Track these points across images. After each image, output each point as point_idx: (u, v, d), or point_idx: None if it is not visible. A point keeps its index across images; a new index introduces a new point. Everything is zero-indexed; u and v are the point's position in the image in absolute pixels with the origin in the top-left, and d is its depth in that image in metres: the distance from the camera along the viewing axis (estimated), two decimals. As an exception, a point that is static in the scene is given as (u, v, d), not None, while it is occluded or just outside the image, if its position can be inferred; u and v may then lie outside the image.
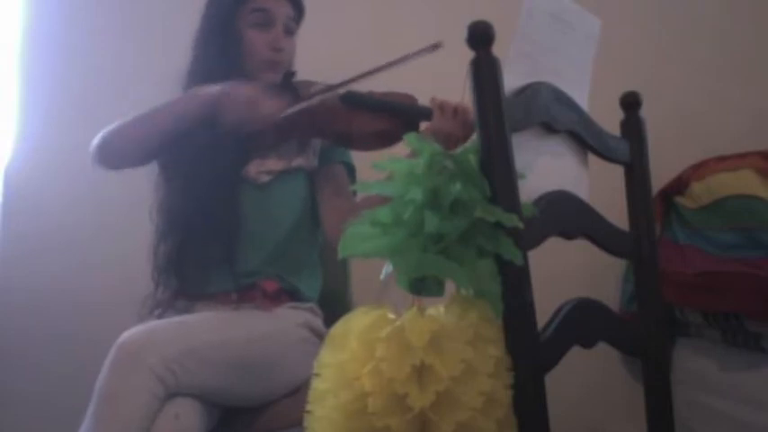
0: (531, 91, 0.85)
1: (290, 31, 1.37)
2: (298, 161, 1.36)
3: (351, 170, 1.43)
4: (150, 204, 1.31)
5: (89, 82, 1.88)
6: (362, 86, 1.27)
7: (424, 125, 1.26)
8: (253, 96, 1.22)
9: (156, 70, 1.77)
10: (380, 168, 0.79)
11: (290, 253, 1.34)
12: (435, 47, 1.18)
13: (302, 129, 1.29)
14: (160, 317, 1.26)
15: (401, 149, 1.22)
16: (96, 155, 1.26)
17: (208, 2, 1.36)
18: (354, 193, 1.39)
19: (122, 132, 1.26)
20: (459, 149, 0.79)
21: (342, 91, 1.26)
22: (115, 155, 1.27)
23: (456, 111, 1.20)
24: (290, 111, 1.24)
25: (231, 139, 1.25)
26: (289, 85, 1.34)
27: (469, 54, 0.78)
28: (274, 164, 1.34)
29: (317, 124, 1.28)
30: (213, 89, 1.23)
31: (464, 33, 0.77)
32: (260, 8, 1.32)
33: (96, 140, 1.26)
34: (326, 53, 1.50)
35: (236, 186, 1.30)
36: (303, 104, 1.25)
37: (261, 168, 1.33)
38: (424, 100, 1.30)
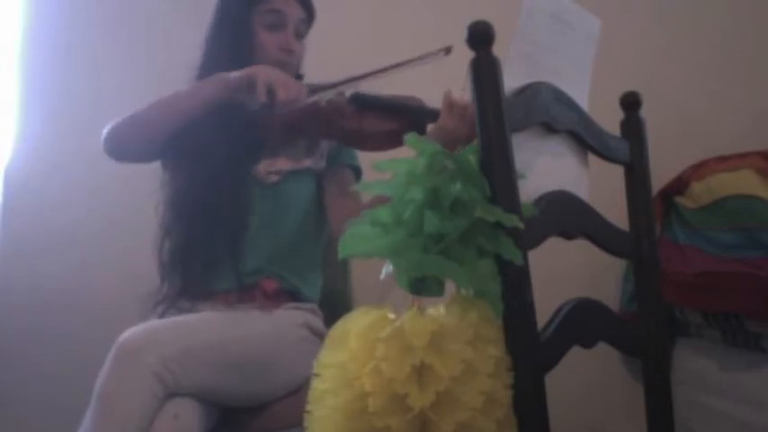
0: (531, 91, 0.85)
1: (300, 35, 1.37)
2: (306, 162, 1.36)
3: (358, 174, 1.43)
4: (156, 200, 1.31)
5: (89, 82, 1.88)
6: (368, 89, 1.27)
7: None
8: (284, 77, 1.23)
9: (156, 69, 1.77)
10: (381, 169, 0.79)
11: (294, 253, 1.34)
12: (447, 50, 1.17)
13: (311, 129, 1.29)
14: (162, 315, 1.26)
15: (407, 151, 1.22)
16: (105, 145, 1.26)
17: (220, 0, 1.36)
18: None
19: (137, 121, 1.25)
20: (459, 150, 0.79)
21: (348, 88, 1.26)
22: (126, 144, 1.26)
23: (465, 110, 1.18)
24: (307, 101, 1.24)
25: (241, 136, 1.26)
26: None
27: (469, 54, 0.78)
28: (283, 164, 1.34)
29: (326, 124, 1.27)
30: (242, 71, 1.22)
31: (464, 33, 0.77)
32: (274, 9, 1.33)
33: (106, 129, 1.25)
34: (325, 54, 1.50)
35: (244, 184, 1.30)
36: (314, 98, 1.25)
37: (270, 168, 1.33)
38: (423, 99, 1.30)
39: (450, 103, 1.18)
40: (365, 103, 1.27)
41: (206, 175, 1.27)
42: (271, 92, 1.20)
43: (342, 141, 1.33)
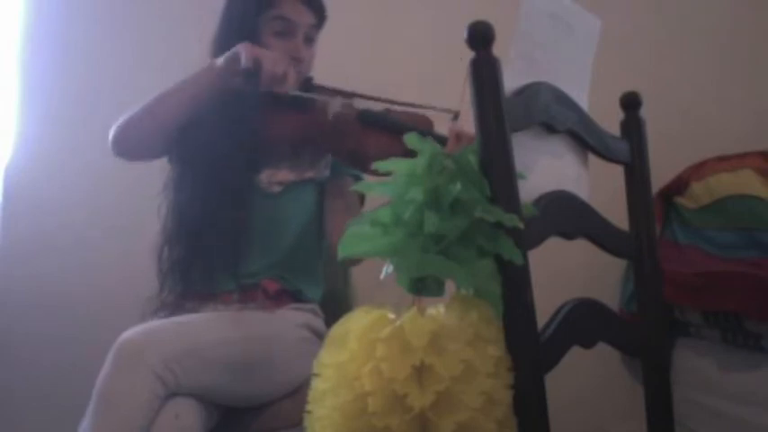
0: (531, 91, 0.85)
1: (310, 40, 1.35)
2: (309, 173, 1.36)
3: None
4: (159, 203, 1.31)
5: (89, 81, 1.88)
6: (380, 102, 1.26)
7: None
8: (273, 54, 1.22)
9: (156, 69, 1.77)
10: (381, 169, 0.79)
11: (295, 260, 1.34)
12: (456, 116, 1.17)
13: (317, 144, 1.28)
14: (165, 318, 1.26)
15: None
16: (114, 147, 1.25)
17: (227, 5, 1.35)
18: (362, 202, 1.39)
19: (139, 117, 1.24)
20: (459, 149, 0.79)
21: (349, 100, 1.25)
22: (134, 142, 1.25)
23: (471, 142, 1.17)
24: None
25: (243, 147, 1.25)
26: (309, 90, 1.33)
27: (469, 54, 0.78)
28: (286, 175, 1.34)
29: (331, 140, 1.26)
30: (235, 50, 1.20)
31: (464, 33, 0.77)
32: (282, 16, 1.30)
33: (112, 132, 1.25)
34: (325, 54, 1.50)
35: (247, 193, 1.30)
36: (319, 100, 1.24)
37: (273, 179, 1.33)
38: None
39: (459, 135, 1.17)
40: (374, 123, 1.25)
41: (210, 183, 1.26)
42: (257, 62, 1.18)
43: (345, 160, 1.32)
